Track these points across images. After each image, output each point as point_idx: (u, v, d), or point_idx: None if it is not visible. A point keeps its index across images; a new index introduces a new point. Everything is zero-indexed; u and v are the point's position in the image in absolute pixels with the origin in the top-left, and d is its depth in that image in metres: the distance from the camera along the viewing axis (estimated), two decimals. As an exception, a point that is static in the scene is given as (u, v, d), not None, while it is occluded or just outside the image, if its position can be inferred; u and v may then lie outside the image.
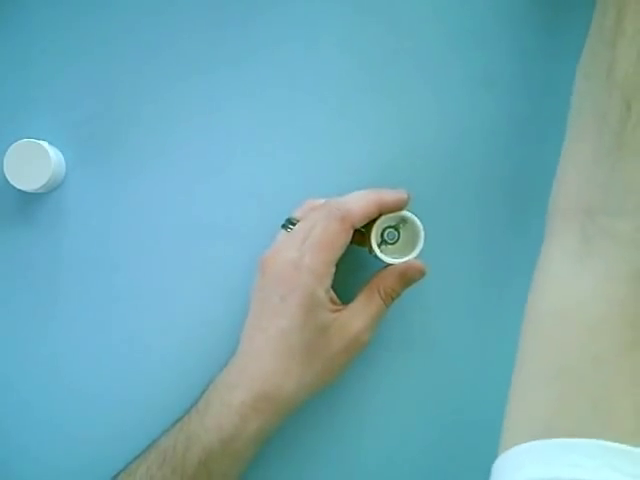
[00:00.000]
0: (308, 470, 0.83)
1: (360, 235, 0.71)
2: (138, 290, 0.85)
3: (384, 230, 0.69)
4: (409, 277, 0.69)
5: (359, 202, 0.66)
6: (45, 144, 0.81)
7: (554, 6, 0.87)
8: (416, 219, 0.70)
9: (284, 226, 0.77)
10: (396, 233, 0.69)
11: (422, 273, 0.70)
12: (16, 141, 0.80)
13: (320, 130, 0.86)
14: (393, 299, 0.69)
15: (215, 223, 0.85)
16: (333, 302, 0.67)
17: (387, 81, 0.86)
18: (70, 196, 0.85)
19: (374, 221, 0.69)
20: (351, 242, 0.68)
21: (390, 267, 0.70)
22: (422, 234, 0.70)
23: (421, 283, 0.72)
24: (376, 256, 0.69)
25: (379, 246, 0.69)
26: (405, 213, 0.70)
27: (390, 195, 0.68)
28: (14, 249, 0.85)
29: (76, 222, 0.85)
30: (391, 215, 0.69)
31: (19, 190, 0.81)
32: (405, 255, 0.70)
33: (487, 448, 0.50)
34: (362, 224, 0.67)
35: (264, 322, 0.67)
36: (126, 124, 0.86)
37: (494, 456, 0.48)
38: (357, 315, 0.67)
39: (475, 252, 0.87)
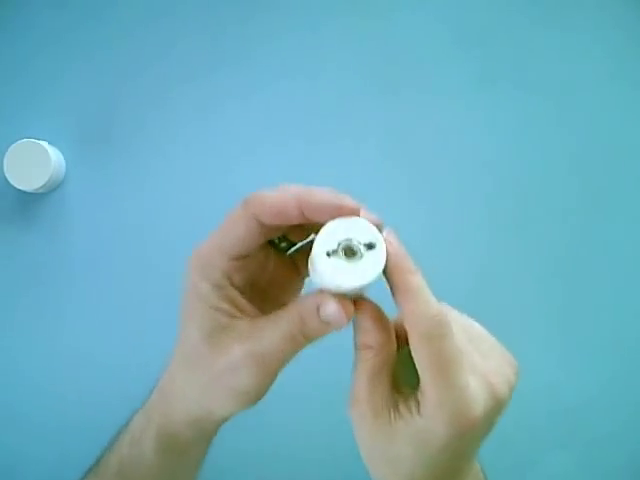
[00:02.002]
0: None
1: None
2: (137, 289, 0.85)
3: (344, 241, 0.46)
4: (325, 314, 0.47)
5: (276, 192, 0.49)
6: (45, 144, 0.81)
7: (554, 6, 0.87)
8: (373, 232, 0.46)
9: None
10: (361, 248, 0.46)
11: (342, 317, 0.47)
12: (16, 141, 0.80)
13: (320, 130, 0.86)
14: (303, 334, 0.49)
15: (215, 223, 0.85)
16: (240, 309, 0.51)
17: (387, 81, 0.86)
18: (70, 196, 0.85)
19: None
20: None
21: (315, 293, 0.48)
22: (382, 254, 0.46)
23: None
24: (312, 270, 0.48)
25: (328, 255, 0.46)
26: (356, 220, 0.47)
27: (324, 195, 0.47)
28: (14, 249, 0.85)
29: (76, 222, 0.85)
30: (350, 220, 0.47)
31: (19, 190, 0.81)
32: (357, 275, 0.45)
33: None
34: (271, 219, 0.48)
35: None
36: (126, 125, 0.86)
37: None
38: (249, 337, 0.49)
39: (474, 253, 0.87)
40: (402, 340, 0.50)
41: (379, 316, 0.49)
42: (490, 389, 0.49)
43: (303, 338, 0.49)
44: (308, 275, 0.50)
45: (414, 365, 0.49)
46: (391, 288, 0.47)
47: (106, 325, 0.85)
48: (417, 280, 0.47)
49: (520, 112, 0.87)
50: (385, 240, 0.47)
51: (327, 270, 0.46)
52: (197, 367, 0.53)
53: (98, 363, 0.85)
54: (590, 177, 0.87)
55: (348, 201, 0.48)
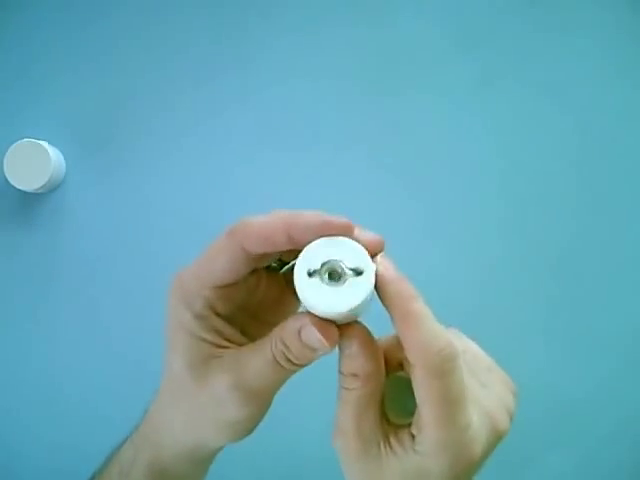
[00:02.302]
0: None
1: None
2: (137, 289, 0.85)
3: (328, 262, 0.42)
4: (307, 339, 0.44)
5: (262, 217, 0.46)
6: (45, 144, 0.81)
7: (553, 7, 0.87)
8: (362, 254, 0.42)
9: None
10: (346, 272, 0.42)
11: (323, 344, 0.43)
12: (16, 141, 0.80)
13: (320, 131, 0.86)
14: (289, 360, 0.45)
15: (215, 223, 0.85)
16: (226, 338, 0.49)
17: (386, 83, 0.87)
18: (70, 196, 0.85)
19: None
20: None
21: (298, 314, 0.45)
22: (370, 281, 0.42)
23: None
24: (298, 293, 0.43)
25: (310, 275, 0.42)
26: (342, 239, 0.42)
27: (312, 215, 0.44)
28: (14, 249, 0.85)
29: (76, 222, 0.85)
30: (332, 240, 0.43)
31: (19, 190, 0.81)
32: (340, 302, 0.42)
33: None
34: (259, 247, 0.45)
35: None
36: (125, 125, 0.86)
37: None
38: (233, 367, 0.46)
39: (474, 254, 0.87)
40: (392, 366, 0.47)
41: (367, 342, 0.45)
42: (492, 424, 0.46)
43: (289, 364, 0.45)
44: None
45: (405, 393, 0.46)
46: (391, 316, 0.43)
47: (105, 325, 0.85)
48: (420, 307, 0.43)
49: (519, 113, 0.87)
50: (379, 264, 0.43)
51: (305, 291, 0.42)
52: (182, 399, 0.50)
53: (97, 362, 0.85)
54: (590, 177, 0.87)
55: (338, 219, 0.43)
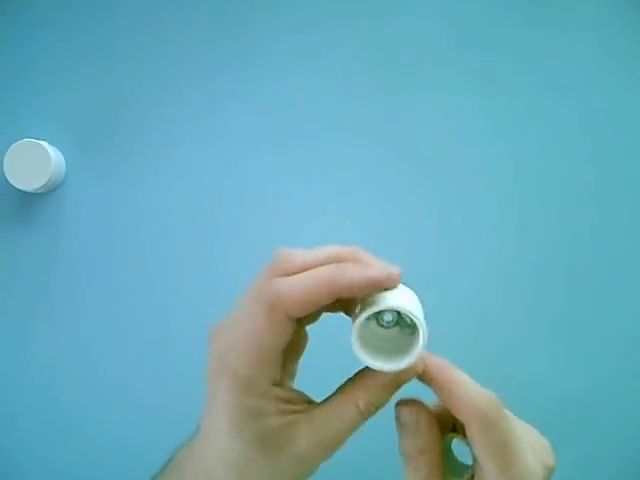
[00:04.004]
0: None
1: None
2: (137, 289, 0.85)
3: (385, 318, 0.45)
4: (401, 382, 0.47)
5: (302, 281, 0.45)
6: (45, 144, 0.81)
7: (554, 6, 0.87)
8: (414, 314, 0.43)
9: None
10: (396, 315, 0.45)
11: (417, 373, 0.47)
12: (16, 141, 0.80)
13: (321, 130, 0.86)
14: (378, 409, 0.48)
15: (215, 223, 0.86)
16: (288, 401, 0.49)
17: (387, 81, 0.87)
18: (70, 196, 0.85)
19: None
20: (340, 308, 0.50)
21: (376, 373, 0.46)
22: (422, 335, 0.43)
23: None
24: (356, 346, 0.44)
25: (367, 342, 0.44)
26: (393, 302, 0.44)
27: (354, 272, 0.44)
28: (14, 249, 0.85)
29: (76, 222, 0.85)
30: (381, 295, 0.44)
31: (19, 190, 0.81)
32: (398, 357, 0.44)
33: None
34: (305, 312, 0.45)
35: (206, 422, 0.50)
36: (126, 125, 0.86)
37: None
38: (315, 428, 0.47)
39: (476, 253, 0.87)
40: (445, 429, 0.48)
41: (429, 415, 0.47)
42: (542, 461, 0.48)
43: (372, 413, 0.47)
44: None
45: (454, 456, 0.48)
46: (435, 387, 0.46)
47: (104, 324, 0.85)
48: (459, 373, 0.46)
49: (521, 111, 0.87)
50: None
51: (366, 358, 0.44)
52: (248, 473, 0.48)
53: (95, 362, 0.85)
54: (592, 176, 0.87)
55: (382, 273, 0.45)
